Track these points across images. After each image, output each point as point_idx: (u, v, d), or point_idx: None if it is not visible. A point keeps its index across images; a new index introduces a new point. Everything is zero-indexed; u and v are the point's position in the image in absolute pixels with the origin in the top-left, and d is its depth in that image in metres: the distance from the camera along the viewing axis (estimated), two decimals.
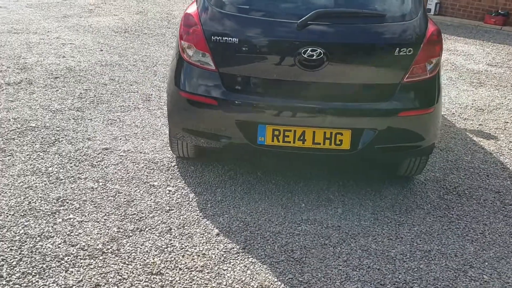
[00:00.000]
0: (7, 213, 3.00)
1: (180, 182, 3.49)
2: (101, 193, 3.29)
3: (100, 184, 3.40)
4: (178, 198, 3.30)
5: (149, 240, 2.88)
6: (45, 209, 3.07)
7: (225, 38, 3.05)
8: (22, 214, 3.00)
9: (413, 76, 3.13)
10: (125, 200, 3.24)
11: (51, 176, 3.43)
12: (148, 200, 3.25)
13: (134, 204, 3.20)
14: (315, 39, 3.02)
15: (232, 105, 3.13)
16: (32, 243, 2.75)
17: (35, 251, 2.69)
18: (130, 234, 2.91)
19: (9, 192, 3.21)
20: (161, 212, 3.14)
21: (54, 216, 3.01)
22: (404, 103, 3.16)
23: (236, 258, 2.78)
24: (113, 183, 3.42)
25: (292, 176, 3.67)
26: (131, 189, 3.36)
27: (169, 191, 3.38)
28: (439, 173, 3.93)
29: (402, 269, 2.81)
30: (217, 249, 2.84)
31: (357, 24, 3.12)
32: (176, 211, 3.16)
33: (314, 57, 2.99)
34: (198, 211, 3.17)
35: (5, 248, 2.69)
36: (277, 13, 3.12)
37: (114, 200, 3.23)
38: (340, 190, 3.55)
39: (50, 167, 3.55)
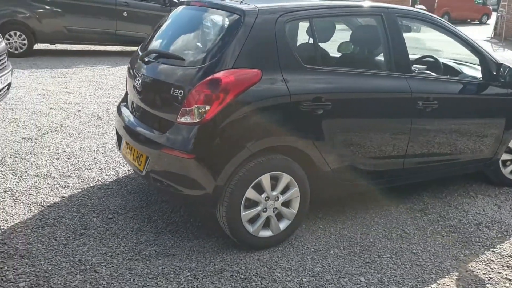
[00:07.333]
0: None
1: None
2: (94, 147, 4.86)
3: (101, 141, 4.97)
4: (108, 177, 4.43)
5: (41, 182, 4.29)
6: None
7: None
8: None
9: (183, 118, 3.17)
10: (93, 163, 4.71)
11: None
12: (96, 166, 4.59)
13: (93, 162, 4.62)
14: (139, 70, 3.64)
15: (117, 115, 4.06)
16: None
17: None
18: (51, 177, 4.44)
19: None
20: (85, 173, 4.43)
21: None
22: (168, 140, 3.21)
23: (39, 214, 3.85)
24: (111, 149, 4.94)
25: None
26: (111, 158, 4.76)
27: (117, 171, 4.58)
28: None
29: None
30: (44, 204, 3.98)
31: (165, 64, 3.46)
32: (89, 179, 4.36)
33: (137, 84, 3.63)
34: (98, 186, 4.20)
35: None
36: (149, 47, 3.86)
37: (89, 154, 4.75)
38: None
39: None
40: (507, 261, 3.40)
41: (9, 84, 6.09)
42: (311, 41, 3.52)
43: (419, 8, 26.84)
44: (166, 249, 3.34)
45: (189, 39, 3.61)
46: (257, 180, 3.22)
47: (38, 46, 10.80)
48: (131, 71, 3.86)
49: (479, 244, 3.61)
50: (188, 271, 3.11)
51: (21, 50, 10.12)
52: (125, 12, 10.70)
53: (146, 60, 3.62)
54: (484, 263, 3.36)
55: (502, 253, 3.49)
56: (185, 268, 3.13)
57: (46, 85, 7.87)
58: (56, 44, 11.17)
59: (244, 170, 3.17)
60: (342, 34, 4.44)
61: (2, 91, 5.86)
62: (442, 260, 3.38)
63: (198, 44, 3.49)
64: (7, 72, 5.93)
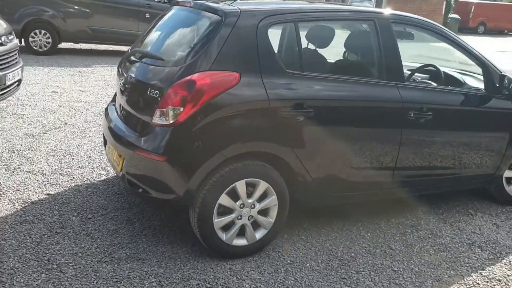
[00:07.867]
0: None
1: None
2: (91, 146, 4.88)
3: (100, 140, 4.97)
4: (98, 177, 4.46)
5: (31, 178, 4.35)
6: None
7: None
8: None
9: (158, 119, 3.11)
10: (86, 161, 4.72)
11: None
12: (89, 164, 4.60)
13: (87, 161, 4.64)
14: (124, 71, 3.61)
15: (103, 115, 4.04)
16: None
17: None
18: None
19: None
20: (76, 172, 4.46)
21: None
22: (142, 142, 3.15)
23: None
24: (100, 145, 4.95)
25: None
26: (105, 157, 4.77)
27: (108, 171, 4.57)
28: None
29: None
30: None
31: (146, 64, 3.42)
32: (79, 178, 4.39)
33: (122, 84, 3.60)
34: (86, 185, 4.24)
35: None
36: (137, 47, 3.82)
37: (85, 153, 4.77)
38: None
39: None
40: (494, 285, 3.20)
41: (19, 80, 6.18)
42: (296, 45, 3.39)
43: (453, 17, 26.23)
44: (138, 253, 3.28)
45: (173, 40, 3.56)
46: (231, 186, 3.13)
47: (63, 45, 10.99)
48: (119, 70, 3.83)
49: (468, 265, 3.42)
50: (154, 277, 3.04)
51: (45, 48, 10.33)
52: (147, 14, 10.78)
53: (131, 60, 3.59)
54: (468, 286, 3.17)
55: (490, 276, 3.29)
56: (151, 274, 3.07)
57: (61, 83, 7.98)
58: (81, 44, 11.36)
59: (218, 175, 3.09)
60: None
61: (11, 87, 5.95)
62: (423, 280, 3.21)
63: (180, 45, 3.43)
64: (17, 69, 6.02)
